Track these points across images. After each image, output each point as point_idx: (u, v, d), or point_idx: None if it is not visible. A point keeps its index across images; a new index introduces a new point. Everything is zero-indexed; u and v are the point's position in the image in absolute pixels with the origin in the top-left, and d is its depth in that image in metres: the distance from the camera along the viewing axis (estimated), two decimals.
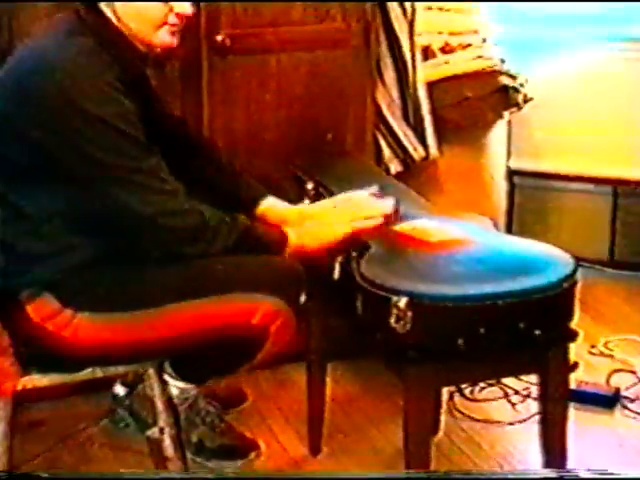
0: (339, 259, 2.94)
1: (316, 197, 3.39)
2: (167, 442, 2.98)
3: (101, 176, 2.76)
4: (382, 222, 2.97)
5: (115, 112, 2.75)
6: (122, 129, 2.75)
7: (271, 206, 3.14)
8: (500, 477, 2.18)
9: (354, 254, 2.91)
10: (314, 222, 3.03)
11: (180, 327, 2.81)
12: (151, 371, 2.95)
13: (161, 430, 2.98)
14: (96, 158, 2.73)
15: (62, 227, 2.83)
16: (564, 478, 1.94)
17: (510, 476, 2.22)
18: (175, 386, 3.10)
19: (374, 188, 3.07)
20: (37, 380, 2.86)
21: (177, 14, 2.82)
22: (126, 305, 2.82)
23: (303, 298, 2.86)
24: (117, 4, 2.81)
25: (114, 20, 2.83)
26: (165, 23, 2.83)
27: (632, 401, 3.66)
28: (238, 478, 2.24)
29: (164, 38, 2.85)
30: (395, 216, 3.03)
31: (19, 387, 2.84)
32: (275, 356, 2.89)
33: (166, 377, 3.03)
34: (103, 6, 2.82)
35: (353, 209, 3.01)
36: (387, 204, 3.03)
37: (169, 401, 3.03)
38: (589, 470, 1.87)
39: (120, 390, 3.37)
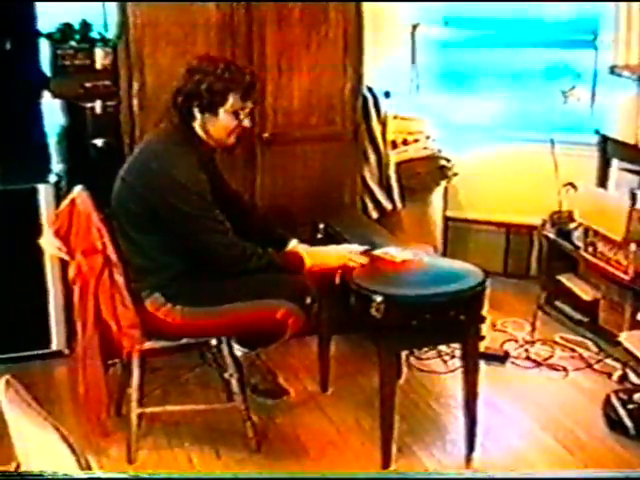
0: (339, 272, 2.94)
1: (325, 234, 3.38)
2: (234, 383, 2.97)
3: (185, 222, 2.80)
4: (362, 264, 2.94)
5: (194, 181, 2.78)
6: (198, 192, 2.78)
7: (295, 245, 3.09)
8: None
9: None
10: (322, 254, 3.01)
11: (234, 318, 2.85)
12: (223, 340, 2.95)
13: (230, 375, 2.97)
14: (183, 210, 2.77)
15: (161, 253, 2.87)
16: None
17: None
18: (239, 350, 3.05)
19: (365, 247, 3.04)
20: (154, 344, 2.90)
21: (243, 127, 2.89)
22: (203, 303, 2.85)
23: (308, 301, 2.84)
24: (208, 124, 2.85)
25: (195, 126, 2.86)
26: (232, 132, 2.89)
27: (516, 358, 3.66)
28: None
29: (232, 140, 2.91)
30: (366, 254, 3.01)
31: (144, 348, 2.88)
32: (294, 335, 2.88)
33: (233, 343, 2.99)
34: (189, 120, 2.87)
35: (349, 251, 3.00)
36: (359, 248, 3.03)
37: (235, 358, 2.99)
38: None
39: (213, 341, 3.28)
